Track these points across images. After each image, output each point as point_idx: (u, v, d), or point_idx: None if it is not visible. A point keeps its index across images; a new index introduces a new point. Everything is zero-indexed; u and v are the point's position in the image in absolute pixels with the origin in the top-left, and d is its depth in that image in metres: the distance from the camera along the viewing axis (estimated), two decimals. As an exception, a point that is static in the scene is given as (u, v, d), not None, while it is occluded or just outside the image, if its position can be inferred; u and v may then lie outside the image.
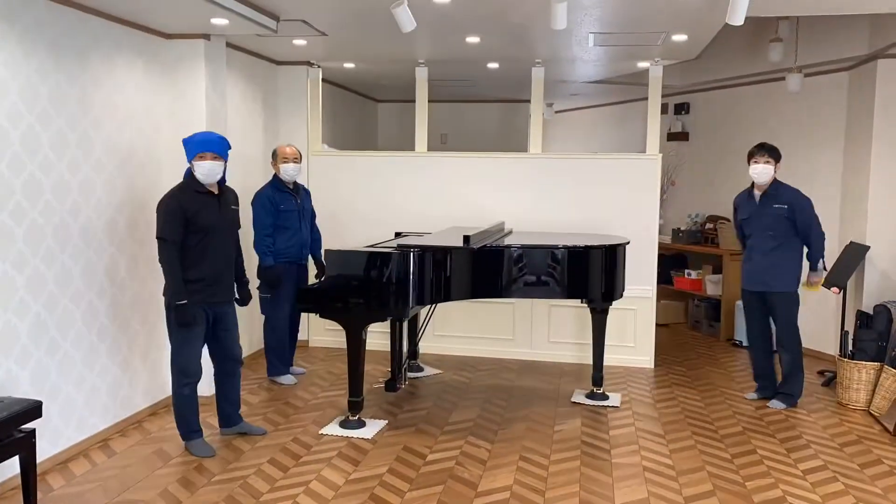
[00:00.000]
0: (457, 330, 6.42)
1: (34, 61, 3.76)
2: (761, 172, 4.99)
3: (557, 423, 4.78)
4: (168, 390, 5.02)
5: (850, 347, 5.28)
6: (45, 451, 3.90)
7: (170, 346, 4.15)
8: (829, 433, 4.65)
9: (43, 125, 3.83)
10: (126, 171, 4.53)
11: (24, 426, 3.26)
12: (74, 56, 4.05)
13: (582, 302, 5.24)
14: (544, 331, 6.32)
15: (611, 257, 4.96)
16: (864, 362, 5.09)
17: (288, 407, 5.03)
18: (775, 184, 5.04)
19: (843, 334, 5.36)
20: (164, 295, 4.09)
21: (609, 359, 5.80)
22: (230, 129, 5.60)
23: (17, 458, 3.25)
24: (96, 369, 4.31)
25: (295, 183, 5.45)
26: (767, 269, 5.05)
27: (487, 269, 4.77)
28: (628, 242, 5.19)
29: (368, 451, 4.26)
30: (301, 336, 6.59)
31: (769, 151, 5.00)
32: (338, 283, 4.47)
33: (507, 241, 5.04)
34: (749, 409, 5.09)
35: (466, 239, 4.54)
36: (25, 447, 3.26)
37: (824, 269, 5.22)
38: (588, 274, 4.89)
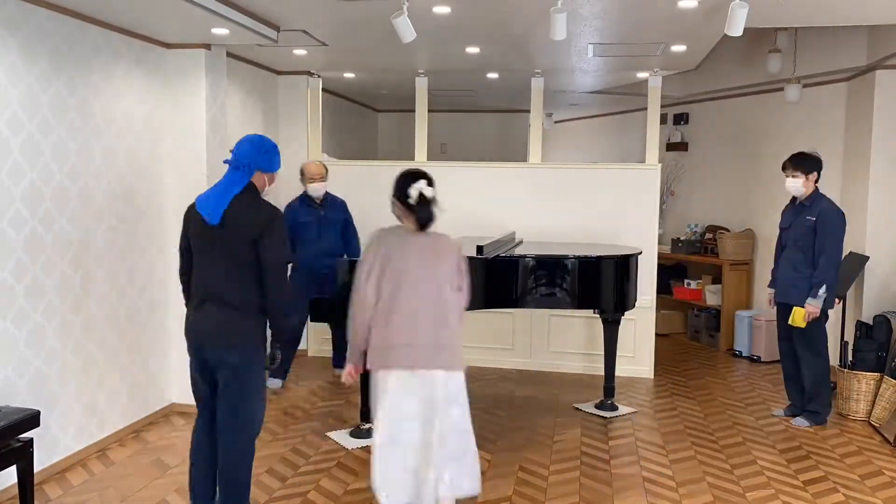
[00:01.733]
0: (456, 340, 6.40)
1: (35, 70, 3.77)
2: (790, 186, 4.88)
3: (557, 433, 4.76)
4: (168, 399, 5.02)
5: (850, 358, 5.27)
6: (42, 460, 3.88)
7: (249, 401, 3.25)
8: (829, 444, 4.64)
9: (43, 133, 3.83)
10: (126, 181, 4.53)
11: (21, 435, 3.24)
12: (75, 65, 4.06)
13: (594, 312, 5.23)
14: (544, 340, 6.31)
15: (623, 268, 4.96)
16: (863, 373, 5.08)
17: (287, 417, 5.01)
18: (813, 195, 4.86)
19: (843, 345, 5.36)
20: (252, 336, 3.23)
21: (609, 369, 5.80)
22: (230, 139, 5.60)
23: (14, 467, 3.24)
24: (95, 378, 4.30)
25: (324, 197, 5.62)
26: (792, 281, 4.87)
27: (500, 279, 4.75)
28: (640, 253, 5.19)
29: (368, 461, 4.24)
30: (300, 346, 6.59)
31: (794, 163, 4.86)
32: (347, 293, 4.43)
33: (519, 251, 5.03)
34: (749, 420, 5.07)
35: (480, 249, 4.52)
36: (23, 457, 3.25)
37: (826, 299, 4.76)
38: (601, 284, 4.89)
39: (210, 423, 3.31)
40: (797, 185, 4.85)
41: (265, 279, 3.14)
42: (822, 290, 4.72)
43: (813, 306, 4.74)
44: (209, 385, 3.28)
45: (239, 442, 3.24)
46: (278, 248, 3.17)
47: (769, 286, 5.21)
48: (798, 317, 4.80)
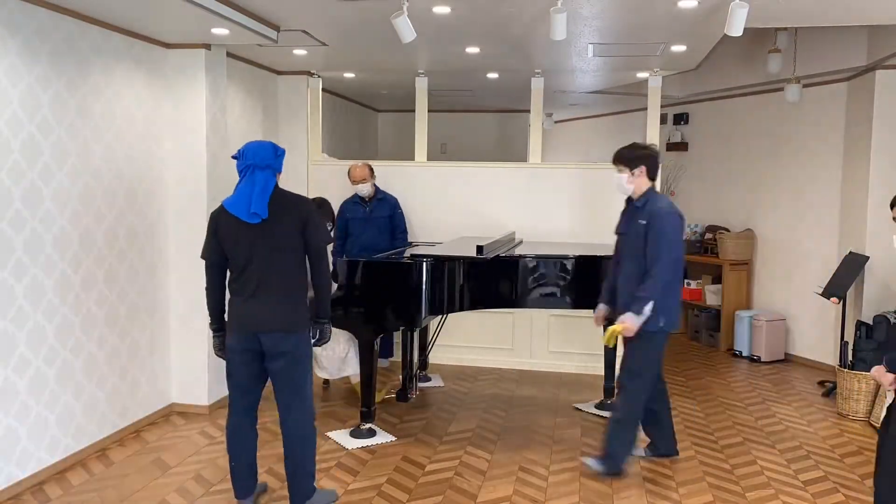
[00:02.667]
0: (456, 340, 6.41)
1: (35, 70, 3.77)
2: (615, 184, 4.13)
3: (557, 433, 4.76)
4: (168, 399, 5.02)
5: (850, 358, 5.27)
6: (42, 460, 3.89)
7: (306, 384, 3.50)
8: (829, 444, 4.64)
9: (43, 134, 3.83)
10: (126, 180, 4.53)
11: None
12: (75, 65, 4.06)
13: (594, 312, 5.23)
14: (544, 341, 6.31)
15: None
16: (863, 373, 5.08)
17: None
18: (645, 195, 4.04)
19: (843, 345, 5.36)
20: (315, 318, 3.56)
21: (608, 369, 5.78)
22: (230, 139, 5.61)
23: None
24: (94, 378, 4.30)
25: (373, 195, 5.90)
26: (625, 297, 4.00)
27: (501, 279, 4.77)
28: None
29: (367, 461, 4.24)
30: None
31: (618, 158, 4.08)
32: (351, 293, 4.45)
33: (518, 251, 5.04)
34: (749, 420, 5.07)
35: (480, 249, 4.53)
36: None
37: (646, 314, 3.87)
38: (600, 283, 4.87)
39: (249, 414, 3.52)
40: (622, 180, 4.07)
41: (312, 262, 3.46)
42: (648, 308, 3.86)
43: (630, 321, 3.89)
44: (254, 375, 3.47)
45: (306, 423, 3.48)
46: (320, 233, 3.50)
47: (600, 301, 4.37)
48: (609, 334, 3.97)
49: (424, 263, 4.41)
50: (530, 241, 5.85)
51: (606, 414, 5.10)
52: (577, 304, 4.93)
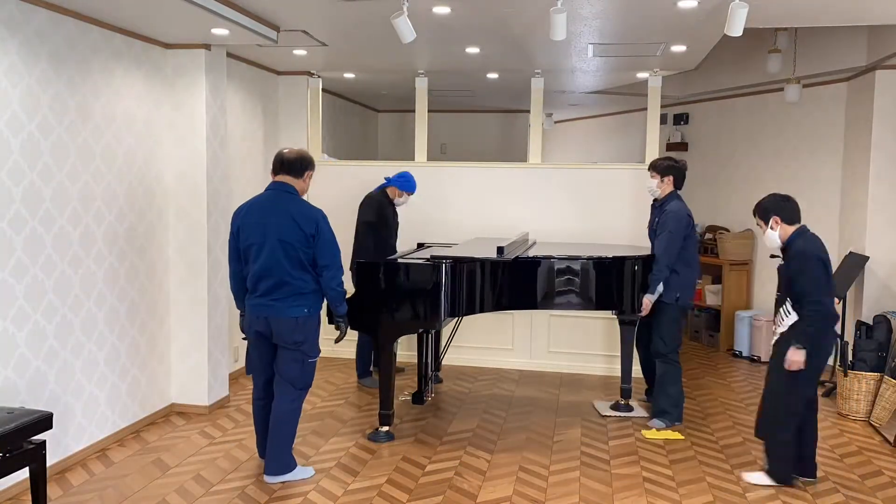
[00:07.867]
0: (456, 339, 6.40)
1: (35, 70, 3.77)
2: (649, 187, 5.06)
3: (557, 433, 4.76)
4: (168, 399, 5.02)
5: (850, 358, 5.27)
6: (42, 460, 3.89)
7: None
8: (829, 444, 4.64)
9: (43, 134, 3.83)
10: (126, 180, 4.53)
11: (34, 437, 3.20)
12: (75, 65, 4.06)
13: (613, 313, 5.22)
14: (544, 341, 6.31)
15: (642, 268, 4.94)
16: (864, 373, 5.07)
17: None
18: (666, 197, 4.99)
19: (843, 345, 5.35)
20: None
21: (609, 369, 5.77)
22: (230, 139, 5.61)
23: (26, 469, 3.20)
24: (94, 378, 4.30)
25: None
26: None
27: (519, 280, 4.76)
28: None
29: (367, 461, 4.24)
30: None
31: (651, 166, 5.06)
32: (369, 295, 4.42)
33: (533, 252, 5.03)
34: (749, 420, 5.07)
35: (500, 250, 4.51)
36: (36, 459, 3.21)
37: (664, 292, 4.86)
38: (620, 285, 4.89)
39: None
40: (651, 185, 5.05)
41: None
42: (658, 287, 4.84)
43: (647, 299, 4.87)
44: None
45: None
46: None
47: None
48: None
49: (444, 265, 4.39)
50: (542, 243, 5.84)
51: (622, 414, 5.09)
52: (599, 306, 4.95)
